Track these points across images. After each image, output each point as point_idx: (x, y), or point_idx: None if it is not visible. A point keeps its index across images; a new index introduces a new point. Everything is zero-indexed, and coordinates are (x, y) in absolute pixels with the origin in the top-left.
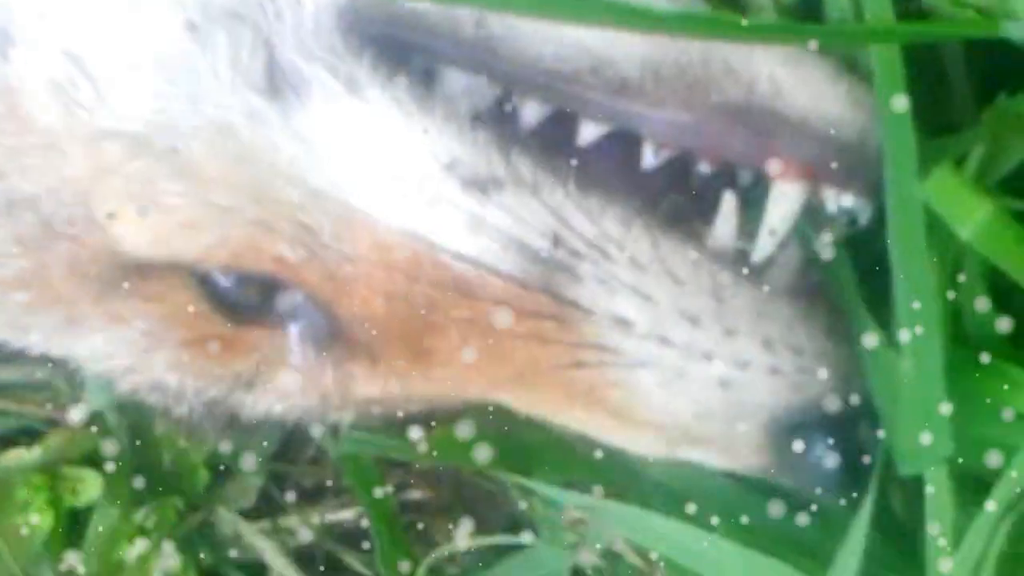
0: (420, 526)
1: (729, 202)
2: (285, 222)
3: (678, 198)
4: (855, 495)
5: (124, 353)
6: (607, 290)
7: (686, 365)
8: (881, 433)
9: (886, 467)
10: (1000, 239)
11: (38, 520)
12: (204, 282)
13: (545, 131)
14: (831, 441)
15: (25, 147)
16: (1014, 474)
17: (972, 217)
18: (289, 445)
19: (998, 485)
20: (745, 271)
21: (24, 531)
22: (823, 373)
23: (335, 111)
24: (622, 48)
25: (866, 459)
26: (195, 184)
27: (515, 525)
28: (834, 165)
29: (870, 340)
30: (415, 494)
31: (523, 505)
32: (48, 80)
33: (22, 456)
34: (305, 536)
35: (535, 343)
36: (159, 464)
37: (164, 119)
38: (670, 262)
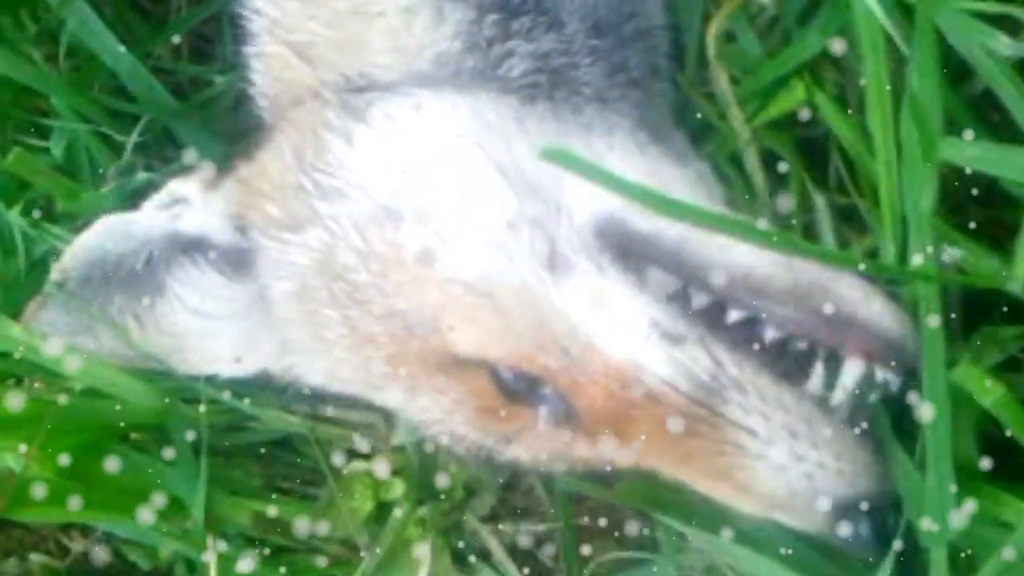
0: (587, 541)
1: (818, 369)
2: (551, 345)
3: (789, 361)
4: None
5: (437, 411)
6: (743, 410)
7: (787, 463)
8: (903, 519)
9: (907, 543)
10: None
11: (362, 505)
12: (495, 374)
13: (710, 311)
14: (872, 520)
15: (402, 281)
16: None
17: (989, 396)
18: (513, 480)
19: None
20: (827, 409)
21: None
22: (871, 478)
23: (588, 284)
24: (764, 267)
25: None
26: (502, 317)
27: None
28: (885, 353)
29: (901, 461)
30: (584, 520)
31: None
32: (421, 244)
33: (358, 467)
34: (519, 540)
35: (695, 437)
36: (435, 481)
37: (488, 275)
38: (782, 398)
